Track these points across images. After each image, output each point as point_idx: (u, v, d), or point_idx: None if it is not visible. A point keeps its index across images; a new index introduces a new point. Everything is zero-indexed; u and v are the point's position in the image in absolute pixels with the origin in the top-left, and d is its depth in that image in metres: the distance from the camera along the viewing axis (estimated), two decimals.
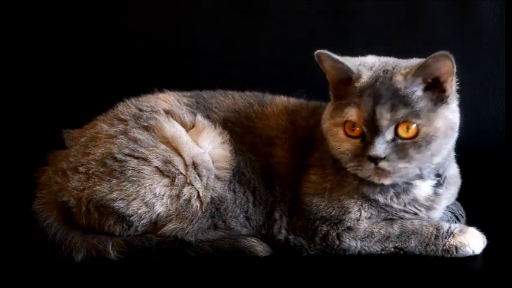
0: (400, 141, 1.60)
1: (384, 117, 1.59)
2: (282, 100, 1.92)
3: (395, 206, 1.72)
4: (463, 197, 1.90)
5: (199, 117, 1.83)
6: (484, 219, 1.81)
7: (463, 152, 1.84)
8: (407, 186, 1.72)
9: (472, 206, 1.92)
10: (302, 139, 1.82)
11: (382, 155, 1.59)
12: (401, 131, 1.60)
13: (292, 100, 1.94)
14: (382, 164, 1.60)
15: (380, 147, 1.59)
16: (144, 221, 1.73)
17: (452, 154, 1.79)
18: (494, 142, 2.39)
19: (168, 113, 1.82)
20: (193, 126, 1.82)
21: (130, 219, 1.72)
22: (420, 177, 1.70)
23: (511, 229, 1.85)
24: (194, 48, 2.53)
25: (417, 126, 1.60)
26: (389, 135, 1.60)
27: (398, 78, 1.62)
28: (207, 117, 1.85)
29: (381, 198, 1.72)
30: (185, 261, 1.73)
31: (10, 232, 1.90)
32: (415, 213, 1.74)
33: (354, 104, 1.63)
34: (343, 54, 1.71)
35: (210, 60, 2.52)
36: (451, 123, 1.65)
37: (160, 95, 1.92)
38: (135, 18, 2.57)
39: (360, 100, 1.62)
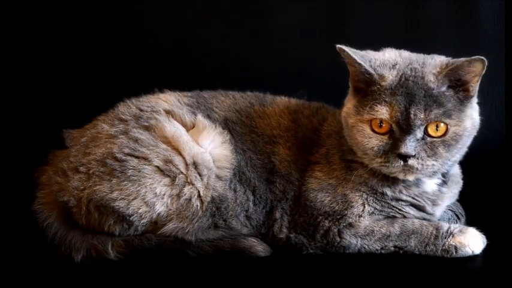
0: (429, 139, 1.62)
1: (418, 117, 1.59)
2: (282, 100, 1.93)
3: (404, 197, 1.73)
4: (463, 197, 1.90)
5: (199, 117, 1.83)
6: (484, 219, 1.82)
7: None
8: (417, 181, 1.72)
9: (472, 206, 1.93)
10: (305, 137, 1.82)
11: (413, 153, 1.60)
12: (431, 130, 1.61)
13: (293, 100, 1.94)
14: (412, 162, 1.61)
15: (411, 145, 1.60)
16: (145, 220, 1.73)
17: None
18: (494, 142, 2.38)
19: (168, 113, 1.82)
20: (193, 126, 1.82)
21: (131, 218, 1.72)
22: (435, 172, 1.70)
23: (511, 229, 1.85)
24: (194, 48, 2.53)
25: (446, 125, 1.61)
26: (419, 133, 1.61)
27: (431, 78, 1.62)
28: (208, 117, 1.85)
29: (389, 192, 1.72)
30: (185, 261, 1.73)
31: (10, 232, 1.90)
32: (423, 207, 1.75)
33: (385, 102, 1.62)
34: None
35: (210, 60, 2.52)
36: (475, 122, 1.68)
37: (161, 95, 1.92)
38: (135, 19, 2.57)
39: (392, 99, 1.62)
